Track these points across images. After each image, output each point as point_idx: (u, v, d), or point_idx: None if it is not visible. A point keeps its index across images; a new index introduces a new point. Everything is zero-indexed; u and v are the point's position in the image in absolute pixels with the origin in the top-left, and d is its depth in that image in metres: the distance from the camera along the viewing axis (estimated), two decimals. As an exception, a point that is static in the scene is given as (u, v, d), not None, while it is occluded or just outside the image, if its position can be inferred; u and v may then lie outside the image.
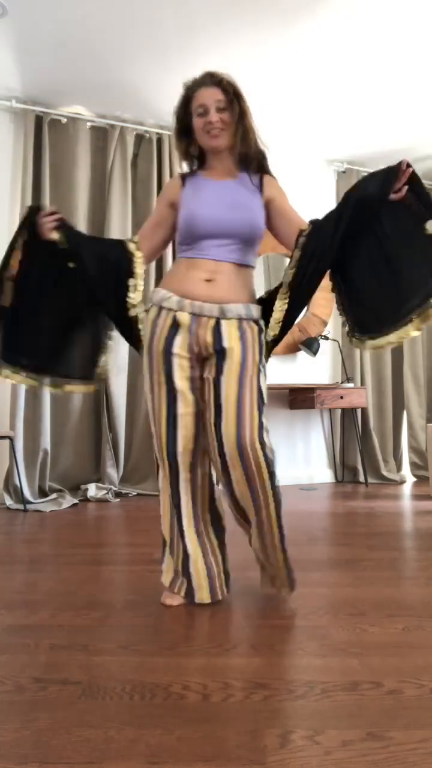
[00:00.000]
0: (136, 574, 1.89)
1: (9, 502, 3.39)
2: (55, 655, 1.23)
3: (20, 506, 3.33)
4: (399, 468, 4.69)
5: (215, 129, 1.59)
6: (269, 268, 4.44)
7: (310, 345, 4.27)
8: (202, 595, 1.57)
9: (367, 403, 4.29)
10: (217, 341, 1.54)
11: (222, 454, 1.48)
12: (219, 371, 1.54)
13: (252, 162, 1.67)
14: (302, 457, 4.47)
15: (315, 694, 1.05)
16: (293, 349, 4.42)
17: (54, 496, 3.49)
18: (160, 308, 1.58)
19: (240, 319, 1.59)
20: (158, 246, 1.75)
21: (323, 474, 4.53)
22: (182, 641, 1.31)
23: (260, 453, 1.45)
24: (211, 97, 1.59)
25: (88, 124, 3.88)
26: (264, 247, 2.49)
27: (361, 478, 4.41)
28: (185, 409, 1.55)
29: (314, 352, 4.27)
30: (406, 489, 4.11)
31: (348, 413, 4.57)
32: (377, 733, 0.92)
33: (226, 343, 1.54)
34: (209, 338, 1.55)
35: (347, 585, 1.74)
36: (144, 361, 1.61)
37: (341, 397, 4.12)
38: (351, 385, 4.24)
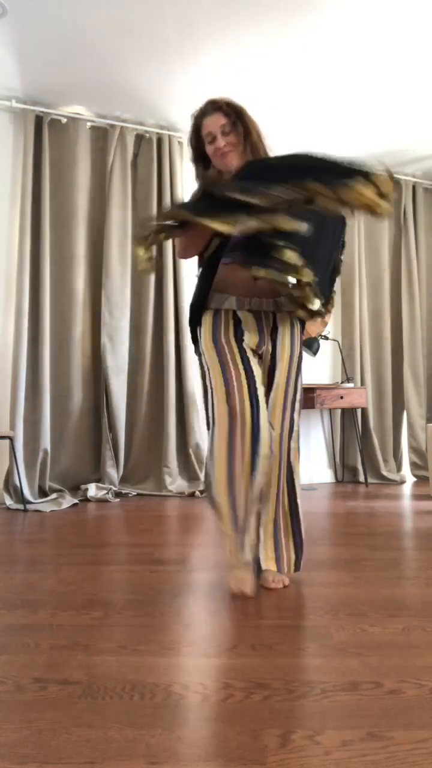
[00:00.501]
0: (136, 574, 1.89)
1: (9, 502, 3.39)
2: (55, 655, 1.23)
3: (20, 506, 3.33)
4: (399, 468, 4.69)
5: (224, 152, 1.72)
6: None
7: (310, 345, 4.27)
8: (269, 564, 1.73)
9: (367, 403, 4.29)
10: (274, 332, 1.75)
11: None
12: (273, 360, 1.75)
13: None
14: (302, 457, 4.47)
15: (315, 694, 1.05)
16: (293, 349, 4.41)
17: (54, 496, 3.49)
18: (217, 311, 1.72)
19: (290, 312, 1.77)
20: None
21: (323, 474, 4.53)
22: (182, 641, 1.31)
23: (285, 458, 1.72)
24: (216, 123, 1.72)
25: (88, 124, 3.88)
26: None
27: (361, 478, 4.41)
28: (260, 387, 1.67)
29: (314, 352, 4.27)
30: (406, 489, 4.11)
31: (348, 413, 4.57)
32: (377, 733, 0.92)
33: (280, 337, 1.75)
34: (270, 331, 1.74)
35: (347, 585, 1.74)
36: (207, 354, 1.70)
37: (341, 397, 4.12)
38: (351, 385, 4.24)
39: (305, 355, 4.49)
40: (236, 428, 1.59)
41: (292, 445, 1.75)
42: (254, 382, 1.63)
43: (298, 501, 1.76)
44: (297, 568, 1.78)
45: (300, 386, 1.80)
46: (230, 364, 1.66)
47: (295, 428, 1.76)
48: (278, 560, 1.74)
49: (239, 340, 1.70)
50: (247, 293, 1.71)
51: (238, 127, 1.70)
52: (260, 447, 1.58)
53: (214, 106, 1.73)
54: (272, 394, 1.72)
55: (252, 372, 1.65)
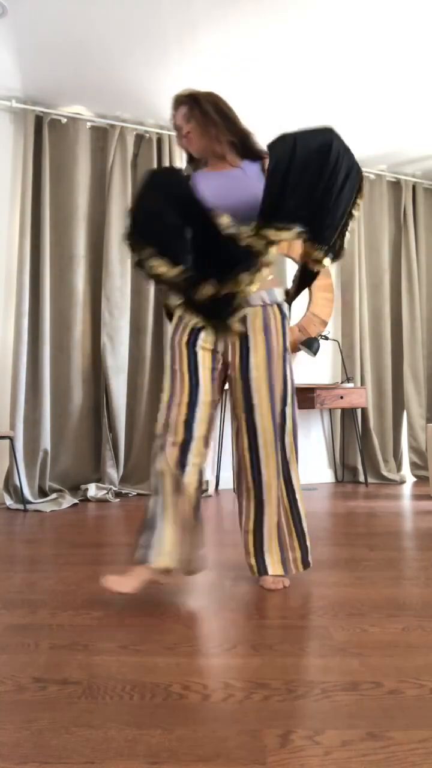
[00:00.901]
0: (136, 574, 1.89)
1: (9, 502, 3.39)
2: (55, 655, 1.23)
3: (20, 506, 3.33)
4: (399, 468, 4.69)
5: (186, 139, 1.82)
6: (269, 268, 4.44)
7: (310, 345, 4.27)
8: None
9: (367, 403, 4.29)
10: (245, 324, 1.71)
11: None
12: (246, 364, 1.69)
13: (239, 148, 1.82)
14: (302, 457, 4.46)
15: (315, 694, 1.05)
16: (293, 349, 4.42)
17: (54, 496, 3.49)
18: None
19: (264, 306, 1.71)
20: None
21: (323, 474, 4.53)
22: (182, 641, 1.31)
23: (280, 455, 1.70)
24: (179, 114, 1.83)
25: (88, 124, 3.88)
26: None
27: (361, 478, 4.41)
28: (205, 398, 1.67)
29: (314, 352, 4.28)
30: (406, 489, 4.11)
31: (348, 413, 4.57)
32: (377, 733, 0.92)
33: (251, 331, 1.70)
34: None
35: (347, 585, 1.73)
36: (167, 355, 1.72)
37: (341, 397, 4.12)
38: (351, 385, 4.24)
39: (305, 356, 4.50)
40: (167, 437, 1.63)
41: (287, 440, 1.72)
42: (195, 402, 1.64)
43: (297, 496, 1.74)
44: (306, 565, 1.75)
45: (290, 379, 1.73)
46: (177, 374, 1.66)
47: (288, 424, 1.71)
48: (284, 562, 1.72)
49: (192, 343, 1.68)
50: None
51: (194, 110, 1.79)
52: (187, 467, 1.61)
53: (176, 100, 1.86)
54: (253, 386, 1.69)
55: (197, 388, 1.65)
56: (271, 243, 1.60)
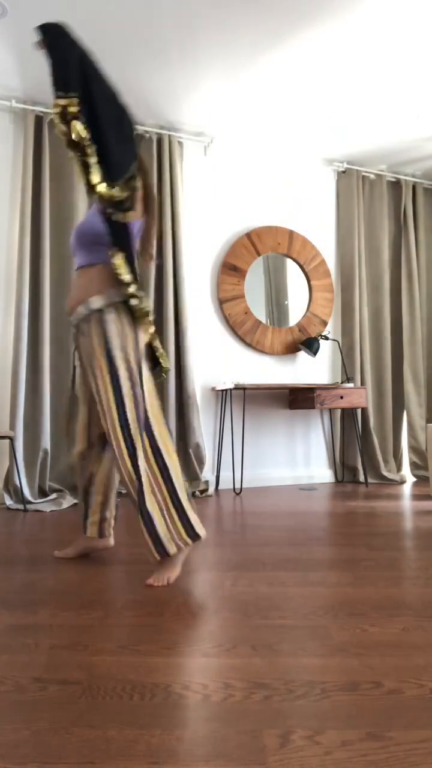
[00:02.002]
0: (136, 574, 1.89)
1: (9, 502, 3.39)
2: (55, 655, 1.23)
3: (20, 506, 3.33)
4: (399, 468, 4.69)
5: None
6: (269, 268, 4.44)
7: (310, 345, 4.27)
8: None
9: (367, 403, 4.29)
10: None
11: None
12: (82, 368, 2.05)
13: None
14: (302, 457, 4.47)
15: (315, 694, 1.05)
16: (293, 349, 4.42)
17: (54, 496, 3.49)
18: None
19: (79, 323, 1.91)
20: None
21: (323, 474, 4.53)
22: (182, 641, 1.31)
23: (120, 436, 1.79)
24: None
25: (88, 124, 3.88)
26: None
27: (361, 478, 4.41)
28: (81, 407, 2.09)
29: (314, 352, 4.28)
30: (406, 489, 4.11)
31: (348, 413, 4.57)
32: (377, 733, 0.92)
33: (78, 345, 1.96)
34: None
35: (347, 585, 1.74)
36: None
37: (341, 397, 4.12)
38: (351, 385, 4.24)
39: (305, 356, 4.50)
40: None
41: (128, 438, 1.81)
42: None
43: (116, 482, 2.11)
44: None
45: (99, 381, 1.82)
46: None
47: (106, 415, 1.82)
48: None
49: None
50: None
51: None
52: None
53: None
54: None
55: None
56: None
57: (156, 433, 1.80)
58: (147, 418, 1.80)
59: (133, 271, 1.82)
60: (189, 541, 1.75)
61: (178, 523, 1.75)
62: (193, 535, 1.76)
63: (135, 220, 1.90)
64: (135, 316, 1.85)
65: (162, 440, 1.80)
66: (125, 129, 1.79)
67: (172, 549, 1.73)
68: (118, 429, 1.77)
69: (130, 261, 1.81)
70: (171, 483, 1.77)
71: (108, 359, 1.81)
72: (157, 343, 2.00)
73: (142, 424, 1.79)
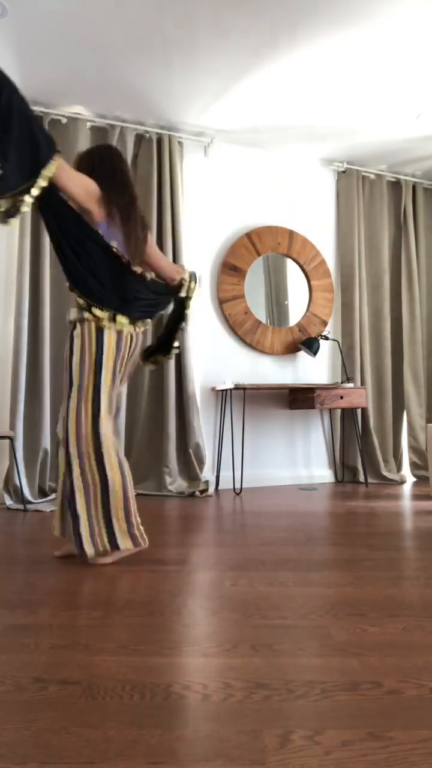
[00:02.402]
0: (136, 574, 1.89)
1: (9, 502, 3.39)
2: (55, 655, 1.23)
3: (20, 506, 3.33)
4: (399, 468, 4.69)
5: None
6: (269, 268, 4.44)
7: (310, 345, 4.27)
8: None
9: (367, 403, 4.29)
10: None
11: None
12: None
13: None
14: (302, 457, 4.47)
15: (315, 694, 1.05)
16: (293, 349, 4.42)
17: (54, 496, 3.49)
18: None
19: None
20: None
21: (323, 474, 4.53)
22: (182, 641, 1.31)
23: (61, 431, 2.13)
24: None
25: (88, 124, 3.88)
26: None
27: (361, 478, 4.41)
28: None
29: (314, 352, 4.28)
30: (406, 489, 4.11)
31: (348, 413, 4.57)
32: (377, 733, 0.92)
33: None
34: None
35: (347, 585, 1.74)
36: None
37: (341, 397, 4.12)
38: (351, 385, 4.24)
39: (305, 356, 4.50)
40: None
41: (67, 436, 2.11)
42: None
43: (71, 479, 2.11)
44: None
45: (73, 380, 2.05)
46: None
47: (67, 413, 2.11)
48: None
49: None
50: None
51: None
52: None
53: None
54: None
55: None
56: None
57: (103, 442, 2.02)
58: (97, 432, 2.02)
59: (87, 287, 2.00)
60: (108, 547, 1.98)
61: (104, 529, 1.98)
62: (115, 546, 1.99)
63: (100, 221, 2.01)
64: (100, 327, 2.03)
65: (107, 451, 2.01)
66: (14, 139, 1.72)
67: (90, 551, 1.97)
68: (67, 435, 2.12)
69: (83, 280, 2.01)
70: (106, 492, 1.99)
71: (69, 370, 2.05)
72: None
73: (83, 440, 2.04)
